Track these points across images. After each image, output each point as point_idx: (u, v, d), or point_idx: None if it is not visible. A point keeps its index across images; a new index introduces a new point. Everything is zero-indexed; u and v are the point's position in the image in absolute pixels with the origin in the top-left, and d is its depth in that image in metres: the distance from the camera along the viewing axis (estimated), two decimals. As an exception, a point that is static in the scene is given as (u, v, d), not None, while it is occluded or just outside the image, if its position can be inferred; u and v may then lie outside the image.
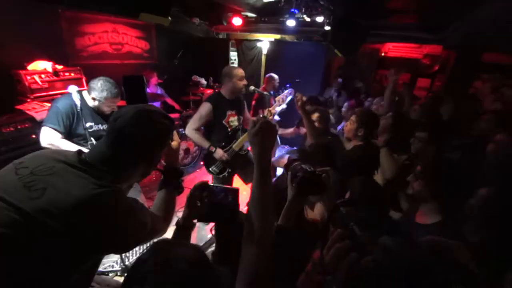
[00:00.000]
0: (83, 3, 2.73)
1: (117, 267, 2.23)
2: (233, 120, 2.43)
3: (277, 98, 2.59)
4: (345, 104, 3.59)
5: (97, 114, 1.94)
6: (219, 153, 2.36)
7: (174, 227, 1.00)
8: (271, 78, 3.96)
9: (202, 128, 2.51)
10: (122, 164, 0.88)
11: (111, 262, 2.28)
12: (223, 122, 2.38)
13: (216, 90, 2.54)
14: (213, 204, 0.97)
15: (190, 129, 2.37)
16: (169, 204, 1.09)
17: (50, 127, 1.79)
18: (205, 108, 2.34)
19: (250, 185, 2.96)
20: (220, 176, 2.52)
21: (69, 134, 1.87)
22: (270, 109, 2.54)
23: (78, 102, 1.85)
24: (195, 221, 0.99)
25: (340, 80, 4.89)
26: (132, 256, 2.36)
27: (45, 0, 3.18)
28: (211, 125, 2.39)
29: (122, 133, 0.86)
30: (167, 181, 1.09)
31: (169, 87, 4.58)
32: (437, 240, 0.62)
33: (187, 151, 4.12)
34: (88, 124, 1.90)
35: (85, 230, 0.75)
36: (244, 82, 2.37)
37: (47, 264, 0.72)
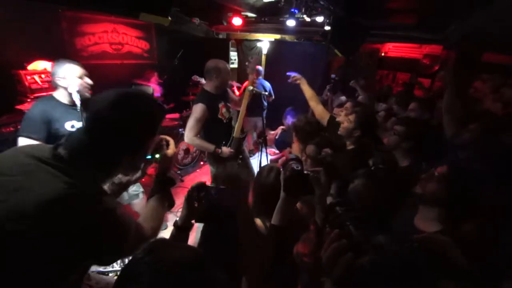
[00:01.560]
0: (83, 3, 2.72)
1: (117, 267, 2.23)
2: (225, 111, 2.45)
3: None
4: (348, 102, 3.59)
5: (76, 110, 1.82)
6: (225, 151, 2.37)
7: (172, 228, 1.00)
8: (258, 71, 4.45)
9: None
10: (101, 154, 0.79)
11: (111, 262, 2.28)
12: (218, 116, 2.40)
13: (200, 88, 2.50)
14: (211, 204, 0.97)
15: (189, 137, 2.31)
16: (157, 214, 1.01)
17: (25, 137, 1.69)
18: (199, 110, 2.28)
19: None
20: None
21: (51, 138, 1.73)
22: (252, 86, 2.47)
23: (78, 103, 1.84)
24: (193, 221, 0.98)
25: (333, 76, 4.86)
26: (132, 256, 2.37)
27: (45, 0, 3.18)
28: (208, 122, 2.37)
29: (101, 117, 0.76)
30: (157, 190, 1.04)
31: (169, 87, 4.58)
32: (428, 237, 0.62)
33: (187, 151, 4.12)
34: (69, 124, 1.79)
35: (55, 235, 0.67)
36: (230, 76, 2.42)
37: (21, 272, 0.66)
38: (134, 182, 1.15)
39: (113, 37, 4.16)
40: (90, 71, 1.91)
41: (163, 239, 0.85)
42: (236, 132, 2.46)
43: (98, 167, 0.78)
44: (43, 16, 3.23)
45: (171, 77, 4.68)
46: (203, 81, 4.79)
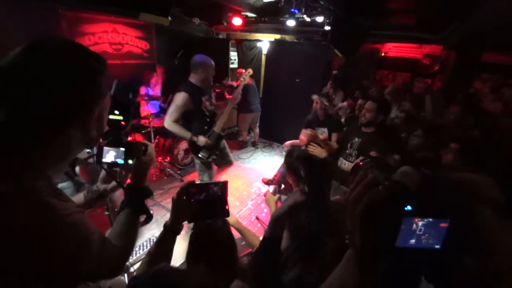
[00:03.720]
0: (83, 3, 2.73)
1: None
2: (209, 104, 2.50)
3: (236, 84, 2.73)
4: (344, 103, 3.60)
5: None
6: (201, 140, 2.41)
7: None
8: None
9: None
10: (18, 131, 0.55)
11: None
12: (202, 108, 2.44)
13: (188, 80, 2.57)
14: (201, 201, 0.95)
15: (168, 122, 2.36)
16: (127, 231, 0.83)
17: None
18: (180, 98, 2.32)
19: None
20: (210, 159, 2.59)
21: None
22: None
23: None
24: (185, 223, 0.95)
25: (335, 72, 4.82)
26: (132, 256, 2.36)
27: (45, 0, 3.18)
28: (190, 113, 2.40)
29: (11, 77, 0.55)
30: (129, 202, 0.88)
31: (169, 87, 4.59)
32: (468, 174, 0.60)
33: (187, 151, 4.11)
34: None
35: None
36: (214, 73, 2.48)
37: None
38: (111, 191, 1.00)
39: (113, 37, 4.16)
40: (90, 71, 1.93)
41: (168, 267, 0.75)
42: (217, 127, 2.53)
43: (20, 153, 0.56)
44: (43, 16, 3.23)
45: (171, 77, 4.68)
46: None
